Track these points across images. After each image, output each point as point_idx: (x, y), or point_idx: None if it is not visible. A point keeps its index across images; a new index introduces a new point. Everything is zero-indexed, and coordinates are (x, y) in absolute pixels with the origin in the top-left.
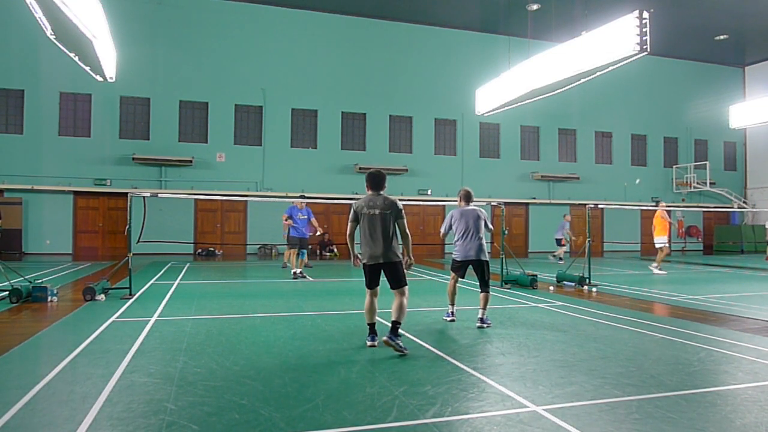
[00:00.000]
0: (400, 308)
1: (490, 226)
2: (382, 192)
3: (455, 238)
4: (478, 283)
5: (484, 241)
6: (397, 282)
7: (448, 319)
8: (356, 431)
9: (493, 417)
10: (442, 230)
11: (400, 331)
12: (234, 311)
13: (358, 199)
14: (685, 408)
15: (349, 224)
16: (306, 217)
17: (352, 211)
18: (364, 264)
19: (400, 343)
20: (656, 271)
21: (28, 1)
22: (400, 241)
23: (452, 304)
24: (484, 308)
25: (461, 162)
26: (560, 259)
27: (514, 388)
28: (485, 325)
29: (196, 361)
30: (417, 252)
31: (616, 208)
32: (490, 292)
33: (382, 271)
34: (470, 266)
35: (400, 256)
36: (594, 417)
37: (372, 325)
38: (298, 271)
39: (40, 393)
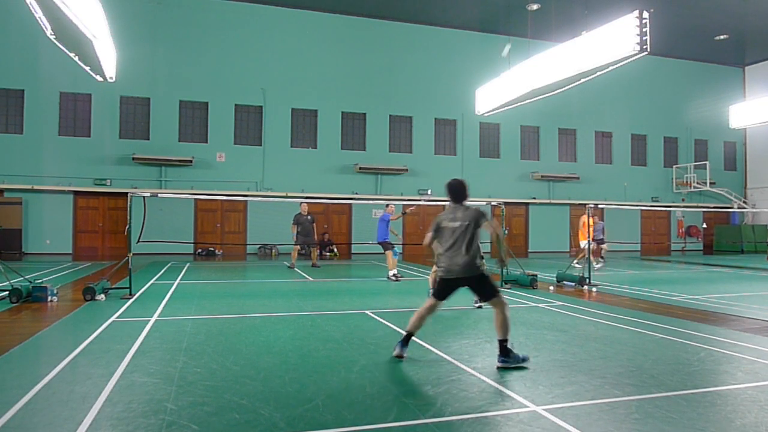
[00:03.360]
0: (504, 324)
1: None
2: (464, 203)
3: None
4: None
5: None
6: (488, 294)
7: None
8: (356, 431)
9: (493, 417)
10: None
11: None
12: (234, 311)
13: (356, 198)
14: (685, 408)
15: (428, 233)
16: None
17: (434, 222)
18: (440, 278)
19: (516, 357)
20: (596, 265)
21: (28, 1)
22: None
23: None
24: None
25: (461, 162)
26: (602, 258)
27: (514, 388)
28: (482, 305)
29: (196, 361)
30: (416, 252)
31: (616, 208)
32: None
33: (459, 288)
34: None
35: (483, 267)
36: (594, 417)
37: (409, 335)
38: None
39: (40, 393)
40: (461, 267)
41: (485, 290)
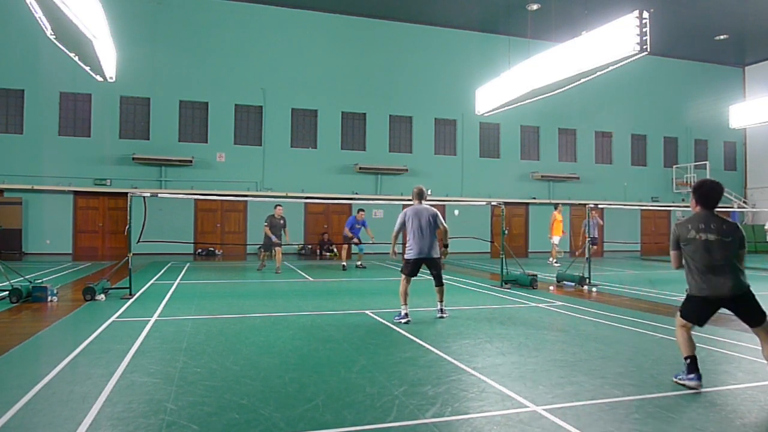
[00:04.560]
0: None
1: (444, 224)
2: (716, 210)
3: (408, 237)
4: (433, 280)
5: (436, 239)
6: (759, 317)
7: (403, 321)
8: (356, 431)
9: (493, 417)
10: (396, 228)
11: None
12: (234, 311)
13: (357, 198)
14: (685, 408)
15: (674, 253)
16: (360, 226)
17: (674, 235)
18: (694, 296)
19: None
20: (554, 263)
21: (28, 1)
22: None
23: (405, 304)
24: (442, 300)
25: (461, 162)
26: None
27: (514, 388)
28: (444, 315)
29: (196, 361)
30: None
31: (616, 208)
32: (444, 284)
33: (718, 310)
34: (423, 264)
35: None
36: (594, 417)
37: (693, 358)
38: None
39: (40, 393)
40: (730, 286)
41: (755, 312)
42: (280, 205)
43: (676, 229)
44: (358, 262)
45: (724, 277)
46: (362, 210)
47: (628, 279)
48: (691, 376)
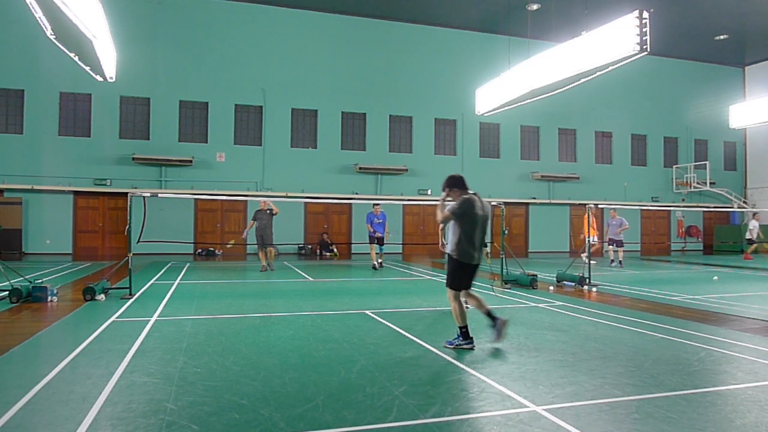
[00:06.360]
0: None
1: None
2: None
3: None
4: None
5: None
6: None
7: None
8: (356, 431)
9: (493, 417)
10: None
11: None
12: (234, 311)
13: (357, 198)
14: (685, 408)
15: (453, 216)
16: (381, 221)
17: (466, 205)
18: (468, 265)
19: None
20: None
21: (28, 1)
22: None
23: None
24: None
25: (461, 162)
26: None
27: (514, 388)
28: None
29: (196, 361)
30: (416, 251)
31: (616, 208)
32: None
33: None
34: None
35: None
36: (594, 417)
37: (467, 327)
38: (377, 263)
39: (40, 393)
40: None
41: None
42: (264, 201)
43: (468, 202)
44: (377, 262)
45: (481, 249)
46: (377, 204)
47: (628, 279)
48: (468, 340)
